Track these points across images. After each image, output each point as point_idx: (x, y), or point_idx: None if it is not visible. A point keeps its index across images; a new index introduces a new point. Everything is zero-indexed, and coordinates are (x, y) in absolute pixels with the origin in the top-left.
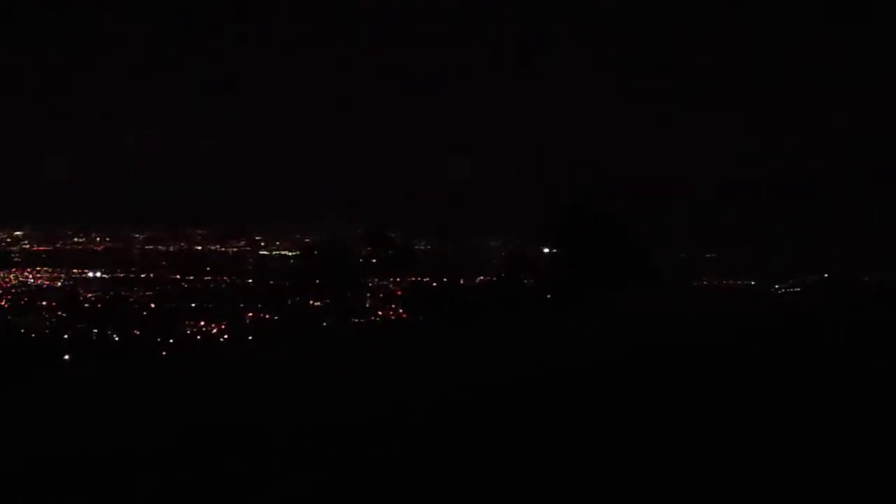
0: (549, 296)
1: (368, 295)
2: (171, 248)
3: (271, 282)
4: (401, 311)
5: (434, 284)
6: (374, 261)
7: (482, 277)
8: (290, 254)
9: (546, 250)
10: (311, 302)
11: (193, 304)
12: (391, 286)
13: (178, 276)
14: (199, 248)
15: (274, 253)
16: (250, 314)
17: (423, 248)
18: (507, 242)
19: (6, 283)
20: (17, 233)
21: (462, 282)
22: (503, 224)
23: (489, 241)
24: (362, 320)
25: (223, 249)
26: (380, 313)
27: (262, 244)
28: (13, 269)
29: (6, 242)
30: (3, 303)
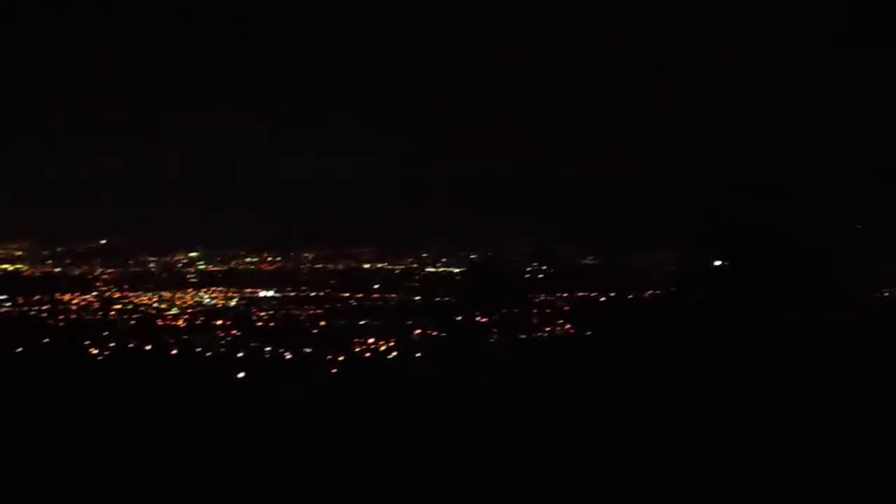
0: (719, 310)
1: (535, 311)
2: (340, 267)
3: (438, 298)
4: (568, 326)
5: (602, 299)
6: (541, 276)
7: (651, 291)
8: (456, 270)
9: (716, 263)
10: (478, 318)
11: (362, 322)
12: (558, 302)
13: (347, 294)
14: (367, 265)
15: (440, 270)
16: (418, 331)
17: (590, 262)
18: (673, 255)
19: (182, 302)
20: (193, 254)
21: (631, 296)
22: (667, 237)
23: (655, 255)
24: (529, 336)
25: (390, 267)
26: (547, 329)
27: (429, 261)
28: (189, 290)
29: (182, 264)
30: (180, 322)
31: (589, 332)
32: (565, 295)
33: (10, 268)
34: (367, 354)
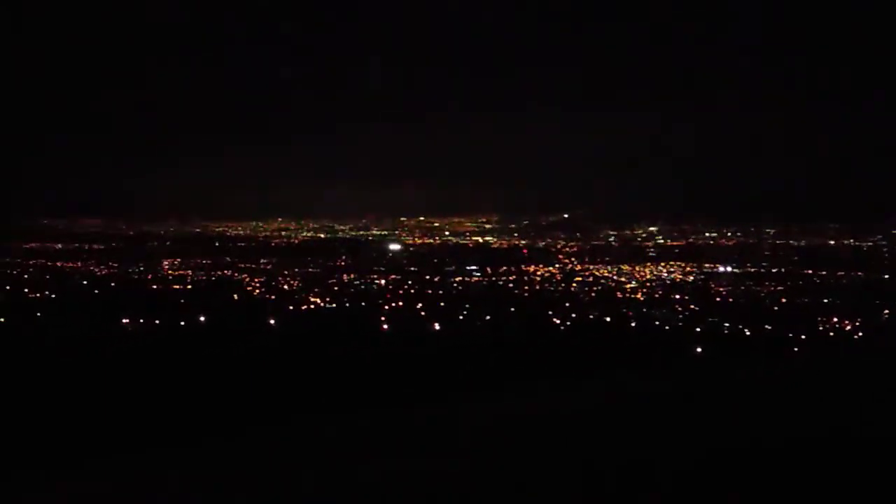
0: None
1: None
2: (803, 243)
3: None
4: None
5: None
6: None
7: None
8: None
9: None
10: None
11: (826, 300)
12: None
13: (810, 271)
14: (832, 242)
15: None
16: (887, 311)
17: None
18: None
19: (642, 276)
20: (652, 228)
21: None
22: None
23: None
24: None
25: (857, 244)
26: None
27: None
28: (648, 263)
29: (641, 237)
30: (638, 295)
31: None
32: None
33: (480, 240)
34: (831, 334)
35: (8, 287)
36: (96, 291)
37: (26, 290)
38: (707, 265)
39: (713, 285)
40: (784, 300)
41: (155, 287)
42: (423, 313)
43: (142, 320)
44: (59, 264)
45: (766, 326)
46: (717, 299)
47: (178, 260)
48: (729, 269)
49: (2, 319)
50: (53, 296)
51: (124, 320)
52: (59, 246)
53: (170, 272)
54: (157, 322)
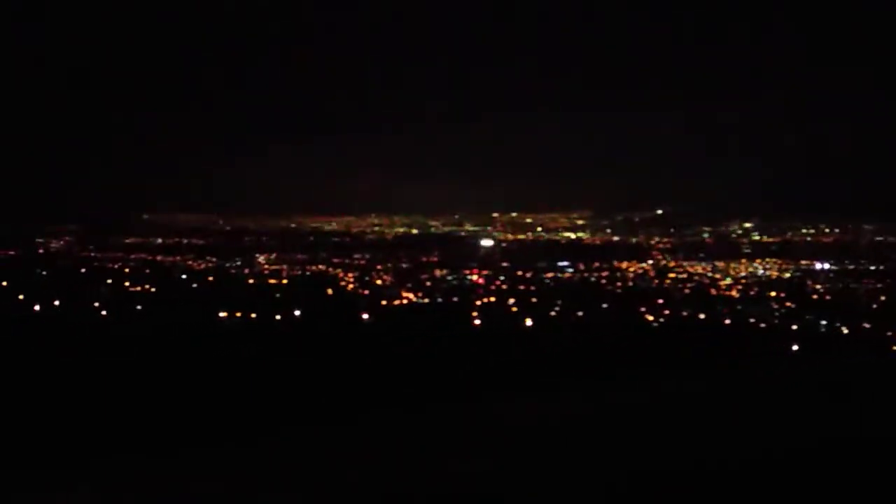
0: None
1: None
2: None
3: None
4: None
5: None
6: None
7: None
8: None
9: None
10: None
11: None
12: None
13: None
14: None
15: None
16: None
17: None
18: None
19: (736, 272)
20: (747, 224)
21: None
22: None
23: None
24: None
25: None
26: None
27: None
28: (743, 260)
29: (736, 234)
30: (733, 292)
31: None
32: None
33: (572, 236)
34: None
35: (109, 280)
36: (195, 285)
37: (127, 283)
38: (804, 262)
39: (810, 283)
40: (883, 298)
41: (251, 281)
42: (514, 309)
43: (238, 314)
44: (158, 258)
45: (865, 325)
46: (814, 297)
47: (274, 255)
48: (826, 266)
49: (104, 312)
50: (153, 289)
51: (221, 314)
52: (160, 240)
53: (266, 267)
54: (253, 316)
